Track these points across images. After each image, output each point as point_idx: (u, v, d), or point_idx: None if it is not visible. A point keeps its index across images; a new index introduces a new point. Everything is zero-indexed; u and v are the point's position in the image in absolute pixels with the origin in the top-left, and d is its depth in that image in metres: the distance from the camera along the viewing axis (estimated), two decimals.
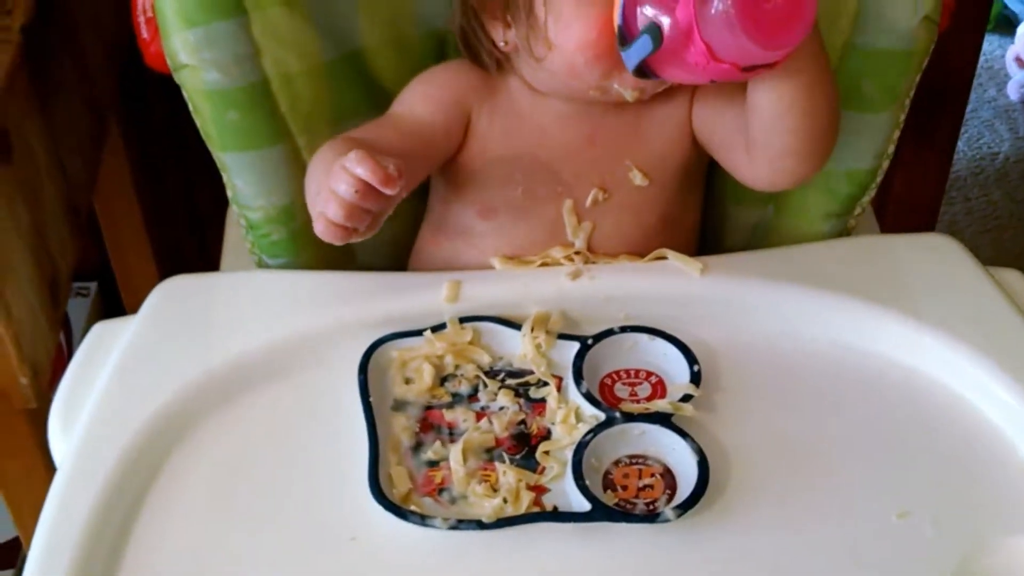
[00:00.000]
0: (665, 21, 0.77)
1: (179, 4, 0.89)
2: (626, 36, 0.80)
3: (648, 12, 0.78)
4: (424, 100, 0.94)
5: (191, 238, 1.62)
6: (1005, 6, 2.44)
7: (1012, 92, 2.29)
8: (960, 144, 2.18)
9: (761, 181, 0.91)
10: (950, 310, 0.89)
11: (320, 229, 0.80)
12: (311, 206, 0.85)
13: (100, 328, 0.92)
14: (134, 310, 0.93)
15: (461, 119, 0.94)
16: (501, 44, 0.91)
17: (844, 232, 1.00)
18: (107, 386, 0.85)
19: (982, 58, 2.35)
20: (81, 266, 1.58)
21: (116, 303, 1.60)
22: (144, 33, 0.92)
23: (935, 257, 0.94)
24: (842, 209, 0.98)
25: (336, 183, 0.78)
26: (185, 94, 0.92)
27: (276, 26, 0.91)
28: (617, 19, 0.80)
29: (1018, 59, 2.32)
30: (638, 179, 0.94)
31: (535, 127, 0.94)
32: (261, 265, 0.99)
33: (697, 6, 0.74)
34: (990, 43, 2.42)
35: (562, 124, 0.94)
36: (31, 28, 1.02)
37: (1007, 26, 2.43)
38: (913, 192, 1.66)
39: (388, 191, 0.78)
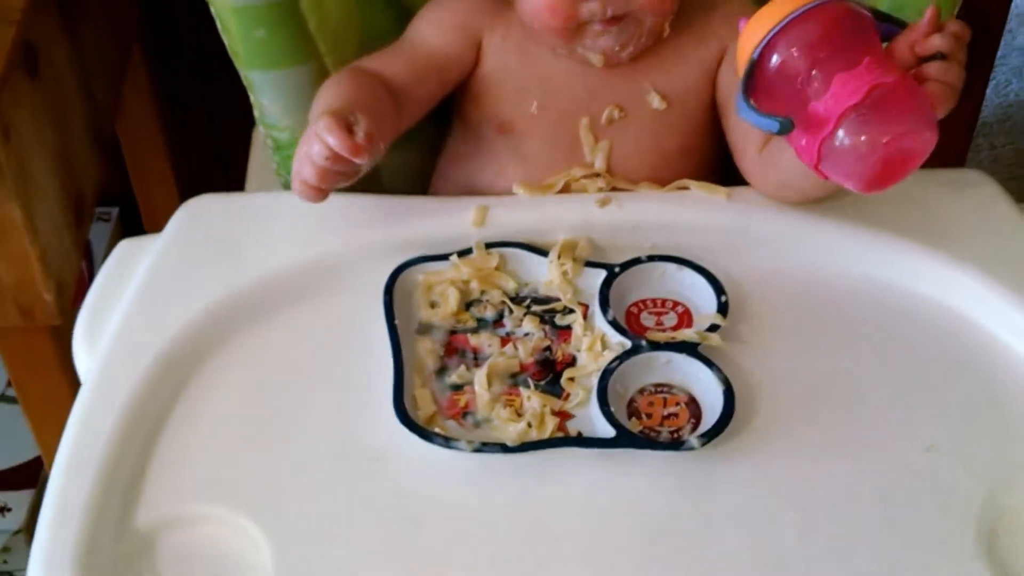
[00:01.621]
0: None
1: None
2: (752, 88, 0.79)
3: (764, 82, 0.78)
4: (434, 26, 0.94)
5: (214, 165, 1.61)
6: None
7: None
8: (988, 91, 2.15)
9: (753, 183, 0.91)
10: (983, 246, 0.87)
11: (296, 189, 0.82)
12: (307, 130, 0.85)
13: (125, 245, 0.91)
14: (155, 232, 0.93)
15: (471, 42, 0.94)
16: None
17: None
18: (132, 303, 0.85)
19: (1014, 4, 2.32)
20: (103, 191, 1.59)
21: (137, 229, 1.60)
22: None
23: (968, 193, 0.92)
24: None
25: (308, 147, 0.79)
26: (213, 11, 0.91)
27: None
28: (746, 68, 0.79)
29: None
30: (656, 102, 0.92)
31: (547, 45, 0.92)
32: (287, 187, 0.98)
33: (835, 127, 0.74)
34: None
35: None
36: None
37: None
38: (942, 137, 1.64)
39: (356, 160, 0.79)
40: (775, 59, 0.77)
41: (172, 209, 1.52)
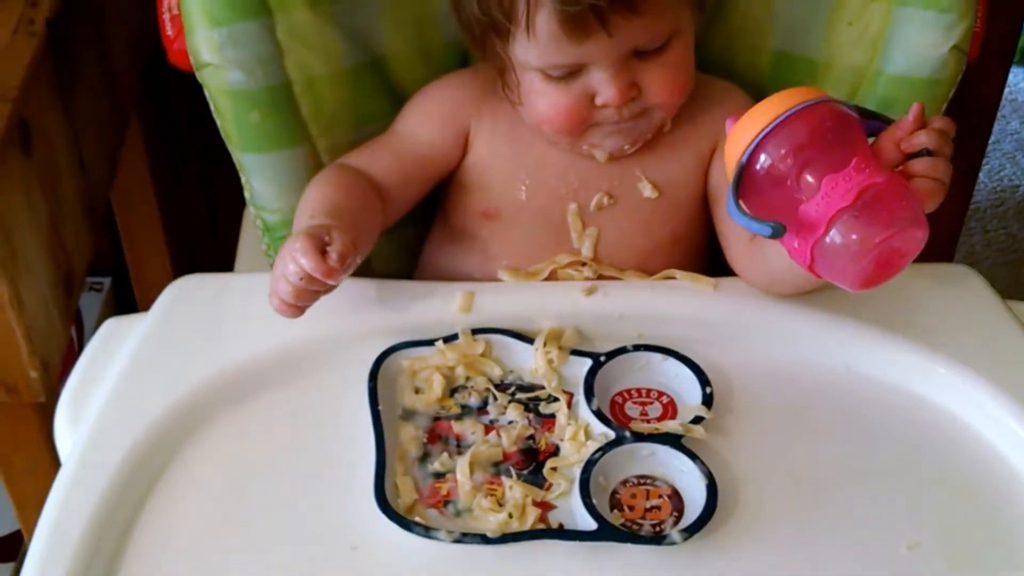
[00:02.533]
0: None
1: (204, 2, 0.89)
2: (742, 189, 0.79)
3: (755, 185, 0.79)
4: (422, 118, 0.95)
5: (208, 237, 1.62)
6: None
7: None
8: (981, 176, 2.16)
9: (740, 275, 0.92)
10: (967, 341, 0.88)
11: (274, 306, 0.83)
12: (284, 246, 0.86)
13: (111, 324, 0.91)
14: (147, 307, 0.93)
15: (458, 134, 0.95)
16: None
17: None
18: (116, 383, 0.85)
19: (1006, 90, 2.33)
20: (95, 261, 1.58)
21: (129, 299, 1.60)
22: (168, 30, 0.92)
23: (953, 287, 0.93)
24: None
25: (284, 266, 0.80)
26: (207, 93, 0.92)
27: (301, 28, 0.91)
28: (735, 172, 0.79)
29: None
30: (647, 191, 0.93)
31: (538, 131, 0.93)
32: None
33: (827, 229, 0.75)
34: (1015, 75, 2.41)
35: None
36: (57, 20, 1.02)
37: None
38: (933, 222, 1.64)
39: (329, 282, 0.80)
40: (763, 161, 0.78)
41: (165, 280, 1.52)
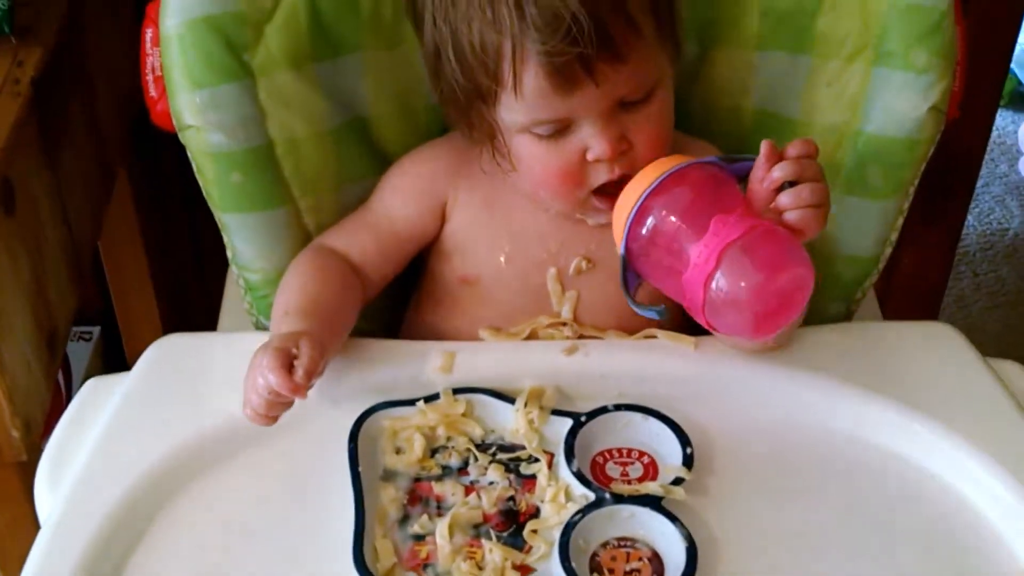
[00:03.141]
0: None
1: (186, 65, 0.89)
2: (629, 284, 0.84)
3: (642, 268, 0.83)
4: (397, 194, 0.96)
5: (196, 285, 1.62)
6: (1020, 83, 2.44)
7: (1023, 169, 2.29)
8: (970, 219, 2.17)
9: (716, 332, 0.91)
10: (947, 401, 0.88)
11: (248, 415, 0.82)
12: (272, 319, 0.90)
13: (93, 384, 0.91)
14: (135, 356, 0.93)
15: (435, 206, 0.95)
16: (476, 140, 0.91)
17: (846, 314, 1.00)
18: (95, 445, 0.85)
19: (995, 133, 2.34)
20: (84, 310, 1.59)
21: (118, 348, 1.60)
22: (152, 91, 0.93)
23: (934, 346, 0.93)
24: (845, 293, 0.98)
25: (253, 380, 0.81)
26: (189, 154, 0.92)
27: (283, 90, 0.92)
28: (620, 260, 0.83)
29: None
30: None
31: (515, 198, 0.94)
32: (258, 326, 0.98)
33: (706, 293, 0.78)
34: (1003, 118, 2.42)
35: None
36: (42, 80, 1.03)
37: (1021, 102, 2.43)
38: (920, 267, 1.65)
39: (297, 397, 0.80)
40: (639, 243, 0.81)
41: (154, 329, 1.54)
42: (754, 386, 0.89)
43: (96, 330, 1.60)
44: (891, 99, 0.91)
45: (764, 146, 0.80)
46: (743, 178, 0.82)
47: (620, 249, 0.81)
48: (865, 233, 0.95)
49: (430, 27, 0.86)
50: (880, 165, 0.92)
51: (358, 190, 0.97)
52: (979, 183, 2.11)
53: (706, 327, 0.80)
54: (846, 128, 0.93)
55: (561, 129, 0.85)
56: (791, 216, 0.79)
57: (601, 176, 0.87)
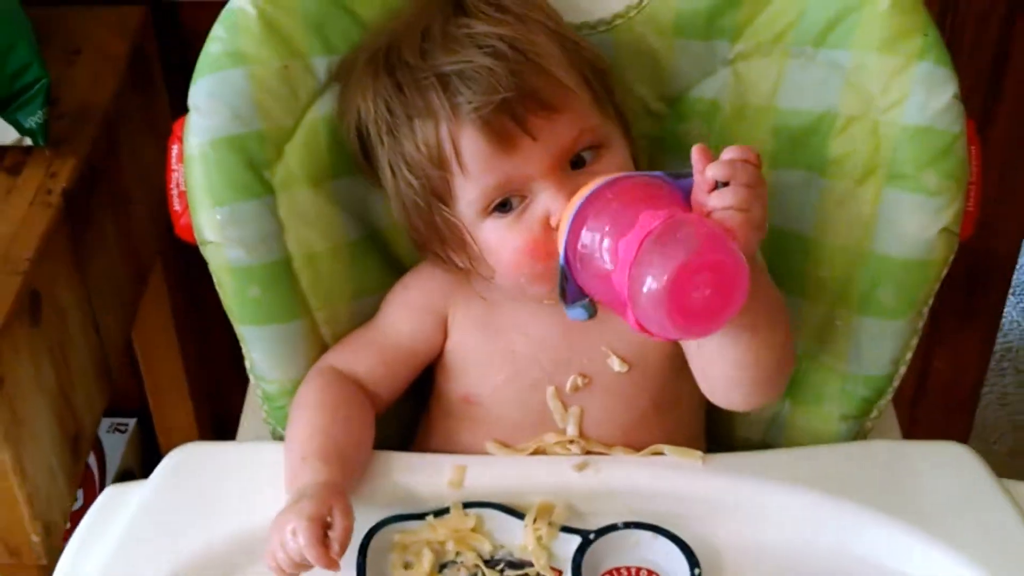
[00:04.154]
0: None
1: (208, 183, 0.91)
2: (566, 293, 0.83)
3: (582, 281, 0.82)
4: (402, 310, 0.97)
5: (231, 378, 1.63)
6: None
7: None
8: (1014, 314, 2.15)
9: (718, 401, 0.90)
10: (962, 526, 0.86)
11: (271, 566, 0.81)
12: (288, 436, 0.91)
13: (111, 492, 0.92)
14: (169, 448, 0.95)
15: (437, 321, 0.96)
16: (458, 263, 0.92)
17: (861, 432, 0.98)
18: (109, 557, 0.85)
19: None
20: (120, 402, 1.61)
21: (152, 438, 1.61)
22: (176, 205, 0.94)
23: (950, 468, 0.91)
24: (858, 412, 0.97)
25: (283, 539, 0.80)
26: (210, 267, 0.94)
27: (302, 206, 0.93)
28: (559, 273, 0.82)
29: None
30: (616, 365, 0.92)
31: (508, 318, 0.94)
32: (275, 435, 0.99)
33: (630, 287, 0.74)
34: None
35: (533, 316, 0.94)
36: (75, 191, 1.05)
37: None
38: (955, 368, 1.64)
39: (330, 569, 0.80)
40: (577, 252, 0.80)
41: (188, 421, 1.55)
42: (764, 504, 0.88)
43: (132, 422, 1.62)
44: (902, 221, 0.91)
45: (694, 151, 0.79)
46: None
47: (560, 260, 0.81)
48: (879, 353, 0.94)
49: (380, 151, 0.89)
50: (892, 286, 0.92)
51: (374, 301, 0.98)
52: (1018, 276, 2.08)
53: (638, 329, 0.76)
54: (858, 248, 0.93)
55: (519, 204, 0.86)
56: (717, 215, 0.77)
57: None
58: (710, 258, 0.73)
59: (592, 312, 0.81)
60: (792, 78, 0.94)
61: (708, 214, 0.78)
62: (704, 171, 0.78)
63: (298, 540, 0.79)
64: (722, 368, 0.86)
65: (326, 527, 0.80)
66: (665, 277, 0.72)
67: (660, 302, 0.73)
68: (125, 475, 1.56)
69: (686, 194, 0.80)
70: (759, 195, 0.78)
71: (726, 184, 0.77)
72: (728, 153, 0.79)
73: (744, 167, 0.78)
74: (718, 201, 0.77)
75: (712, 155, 0.79)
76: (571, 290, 0.82)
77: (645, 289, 0.73)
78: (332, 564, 0.79)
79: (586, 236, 0.79)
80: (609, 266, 0.77)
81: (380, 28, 0.92)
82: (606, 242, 0.77)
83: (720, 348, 0.84)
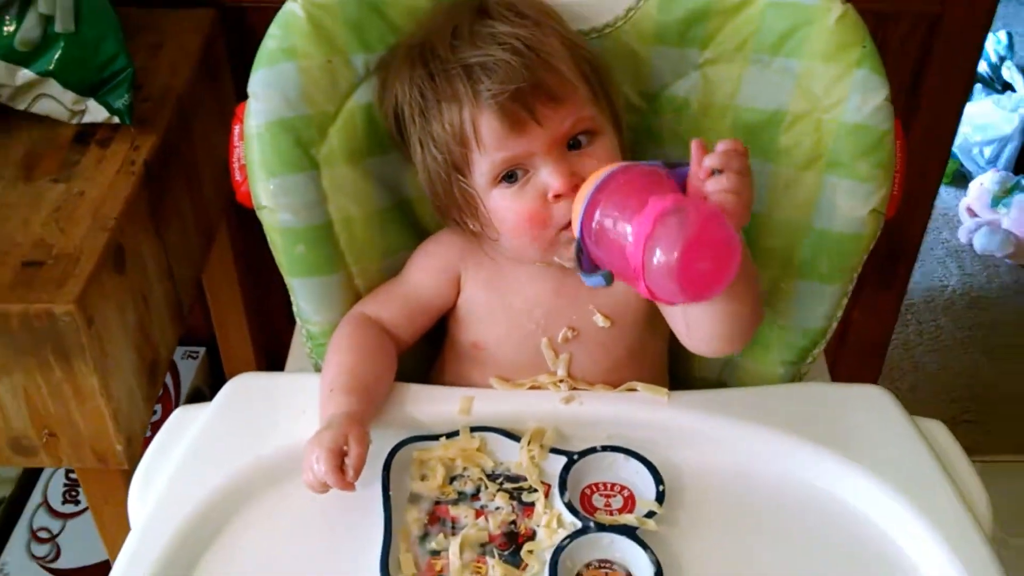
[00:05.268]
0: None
1: (263, 158, 0.88)
2: (582, 263, 0.79)
3: (595, 255, 0.78)
4: (423, 271, 0.93)
5: (283, 317, 1.60)
6: (961, 164, 2.38)
7: (962, 236, 2.23)
8: (916, 277, 2.11)
9: (699, 351, 0.87)
10: (879, 454, 0.84)
11: (306, 483, 0.79)
12: (323, 371, 0.88)
13: (180, 413, 0.89)
14: (232, 373, 0.93)
15: (452, 280, 0.92)
16: (471, 228, 0.89)
17: (798, 375, 0.95)
18: (176, 467, 0.83)
19: (939, 205, 2.29)
20: (193, 334, 1.58)
21: (218, 364, 1.59)
22: (237, 176, 0.91)
23: (870, 406, 0.88)
24: (797, 358, 0.94)
25: (311, 464, 0.78)
26: (264, 227, 0.90)
27: (341, 179, 0.90)
28: (575, 246, 0.79)
29: (969, 209, 2.26)
30: (600, 321, 0.89)
31: (510, 279, 0.91)
32: (316, 368, 0.96)
33: (644, 260, 0.72)
34: (947, 193, 2.36)
35: (530, 278, 0.90)
36: (154, 162, 1.01)
37: (962, 180, 2.37)
38: (871, 322, 1.61)
39: (346, 491, 0.78)
40: (591, 227, 0.77)
41: (247, 352, 1.52)
42: (719, 433, 0.86)
43: (202, 350, 1.59)
44: (839, 202, 0.87)
45: (694, 144, 0.76)
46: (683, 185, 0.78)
47: (576, 234, 0.77)
48: (815, 310, 0.91)
49: (412, 130, 0.86)
50: (828, 256, 0.89)
51: (401, 259, 0.95)
52: (924, 247, 2.06)
53: (648, 296, 0.73)
54: (801, 224, 0.89)
55: (523, 176, 0.83)
56: (715, 198, 0.75)
57: (564, 214, 0.83)
58: (711, 235, 0.71)
59: (610, 280, 0.77)
60: (751, 81, 0.91)
61: (705, 198, 0.75)
62: (702, 160, 0.75)
63: (320, 467, 0.77)
64: (709, 324, 0.82)
65: (343, 455, 0.78)
66: (675, 252, 0.70)
67: (670, 273, 0.71)
68: (195, 394, 1.54)
69: (680, 181, 0.77)
70: (747, 181, 0.76)
71: (720, 171, 0.75)
72: (722, 145, 0.76)
73: (736, 156, 0.75)
74: (715, 185, 0.75)
75: (708, 147, 0.76)
76: (586, 262, 0.79)
77: (656, 262, 0.71)
78: (348, 487, 0.77)
79: (600, 215, 0.76)
80: (625, 240, 0.73)
81: (417, 27, 0.88)
82: (619, 222, 0.74)
83: (708, 308, 0.80)
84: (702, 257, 0.71)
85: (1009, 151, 2.31)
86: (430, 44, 0.84)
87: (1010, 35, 2.50)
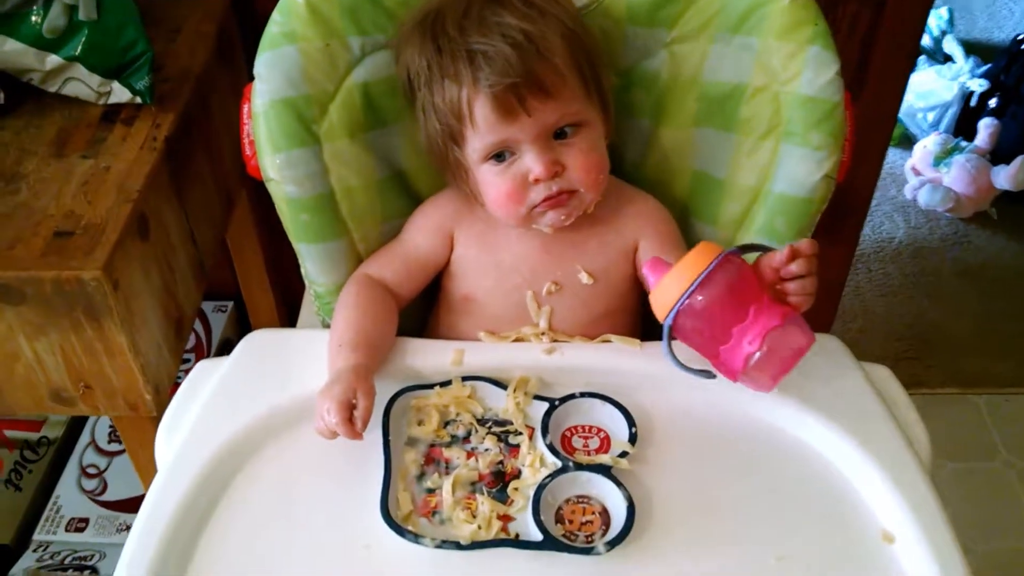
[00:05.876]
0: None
1: (268, 134, 0.84)
2: (675, 331, 0.76)
3: (682, 334, 0.76)
4: (420, 231, 0.90)
5: (299, 276, 1.57)
6: (906, 128, 2.33)
7: (908, 193, 2.19)
8: (866, 230, 2.08)
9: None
10: (831, 396, 0.81)
11: (317, 430, 0.77)
12: (331, 328, 0.85)
13: (203, 365, 0.87)
14: (258, 325, 0.90)
15: (446, 237, 0.89)
16: (465, 189, 0.86)
17: None
18: (198, 415, 0.81)
19: (887, 166, 2.25)
20: (223, 290, 1.55)
21: (245, 316, 1.56)
22: (248, 150, 0.88)
23: (826, 355, 0.85)
24: None
25: (322, 414, 0.76)
26: (272, 198, 0.87)
27: (341, 152, 0.87)
28: (664, 334, 0.76)
29: (913, 168, 2.22)
30: (584, 279, 0.87)
31: (500, 237, 0.88)
32: (323, 324, 0.94)
33: (744, 364, 0.73)
34: (894, 155, 2.31)
35: (519, 237, 0.88)
36: (175, 137, 0.98)
37: (907, 142, 2.32)
38: (825, 270, 1.57)
39: (355, 439, 0.76)
40: (685, 315, 0.74)
41: (270, 306, 1.49)
42: (686, 381, 0.82)
43: (230, 304, 1.56)
44: (793, 168, 0.84)
45: (788, 248, 0.75)
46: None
47: (667, 322, 0.75)
48: None
49: (418, 95, 0.83)
50: (784, 216, 0.86)
51: (397, 225, 0.92)
52: (873, 203, 2.02)
53: (731, 380, 0.75)
54: (759, 188, 0.86)
55: (510, 157, 0.80)
56: (795, 299, 0.76)
57: (540, 194, 0.81)
58: (803, 347, 0.73)
59: (711, 377, 0.77)
60: (714, 57, 0.87)
61: (785, 293, 0.75)
62: (788, 262, 0.75)
63: (331, 418, 0.75)
64: None
65: (352, 407, 0.76)
66: (779, 363, 0.73)
67: (766, 376, 0.74)
68: (226, 343, 1.51)
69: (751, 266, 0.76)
70: (816, 281, 0.76)
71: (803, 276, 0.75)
72: (807, 249, 0.75)
73: (812, 261, 0.75)
74: (797, 289, 0.75)
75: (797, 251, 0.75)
76: (669, 344, 0.77)
77: (760, 368, 0.73)
78: (357, 436, 0.75)
79: (695, 309, 0.74)
80: (719, 336, 0.73)
81: None
82: (717, 321, 0.73)
83: None
84: (792, 362, 0.73)
85: (949, 116, 2.27)
86: (442, 19, 0.80)
87: (951, 11, 2.44)
